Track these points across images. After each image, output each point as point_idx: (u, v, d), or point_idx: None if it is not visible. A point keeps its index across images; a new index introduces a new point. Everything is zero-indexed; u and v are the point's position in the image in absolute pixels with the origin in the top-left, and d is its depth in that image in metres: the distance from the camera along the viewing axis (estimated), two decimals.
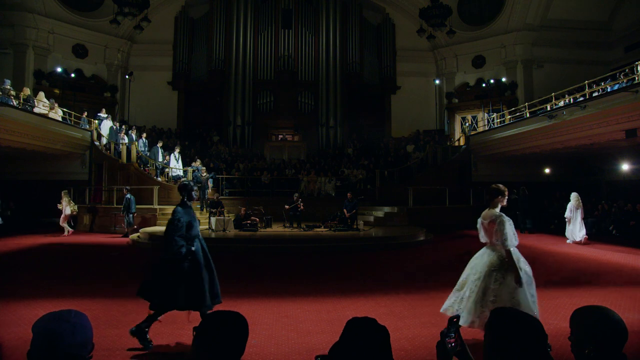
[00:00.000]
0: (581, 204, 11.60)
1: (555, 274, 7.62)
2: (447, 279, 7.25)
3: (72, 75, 18.72)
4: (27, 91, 14.52)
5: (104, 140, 16.92)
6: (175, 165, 16.58)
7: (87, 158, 16.76)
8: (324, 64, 21.35)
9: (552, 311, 5.12)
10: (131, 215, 12.97)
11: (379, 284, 6.90)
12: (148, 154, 17.03)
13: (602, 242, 11.32)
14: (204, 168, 15.69)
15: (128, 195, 12.95)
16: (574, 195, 11.63)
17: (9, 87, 13.42)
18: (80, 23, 19.54)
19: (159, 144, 17.13)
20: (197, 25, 22.14)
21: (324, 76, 21.30)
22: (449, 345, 1.75)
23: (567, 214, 11.71)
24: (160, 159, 16.90)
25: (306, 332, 4.50)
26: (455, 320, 1.81)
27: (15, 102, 13.25)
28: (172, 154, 16.72)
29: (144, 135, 17.77)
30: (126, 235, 12.74)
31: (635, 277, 7.28)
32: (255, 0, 21.52)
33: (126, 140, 16.88)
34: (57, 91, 18.20)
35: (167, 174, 16.93)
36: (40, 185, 16.07)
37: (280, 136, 20.95)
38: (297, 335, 4.40)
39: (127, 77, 20.88)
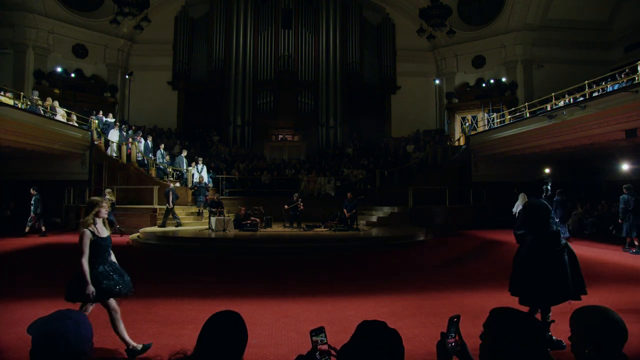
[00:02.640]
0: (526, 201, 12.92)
1: None
2: (447, 279, 7.28)
3: (72, 75, 18.72)
4: (49, 101, 15.64)
5: (114, 147, 16.48)
6: (198, 177, 15.87)
7: (87, 158, 16.75)
8: (324, 64, 21.35)
9: (552, 311, 5.11)
10: (36, 216, 12.82)
11: (379, 284, 6.89)
12: (169, 164, 16.86)
13: (602, 242, 11.31)
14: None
15: (37, 196, 12.91)
16: (521, 195, 12.92)
17: (37, 97, 14.87)
18: (80, 23, 19.53)
19: (184, 154, 16.80)
20: (197, 25, 22.15)
21: (324, 76, 21.30)
22: (449, 345, 1.75)
23: (514, 209, 13.06)
24: (185, 167, 16.60)
25: (306, 332, 4.48)
26: (455, 320, 1.81)
27: (42, 112, 14.57)
28: (196, 166, 16.10)
29: (162, 146, 17.30)
30: (43, 235, 12.80)
31: (635, 276, 7.28)
32: (255, 0, 21.53)
33: (142, 146, 16.86)
34: (57, 91, 18.20)
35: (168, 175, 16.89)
36: (41, 185, 16.04)
37: (280, 136, 20.95)
38: (297, 335, 4.40)
39: (127, 77, 20.87)
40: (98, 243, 3.82)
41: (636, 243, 9.97)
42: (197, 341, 1.60)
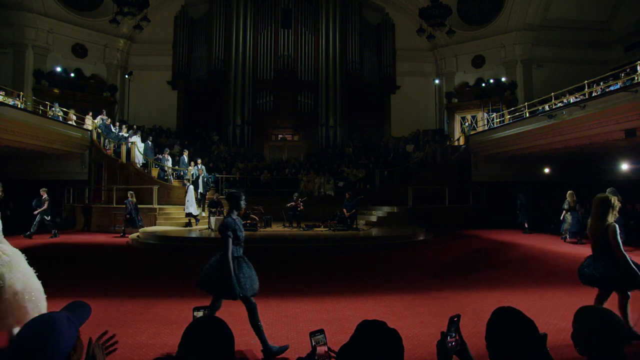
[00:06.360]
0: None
1: (554, 273, 7.63)
2: (447, 278, 7.29)
3: (72, 75, 18.70)
4: (57, 109, 16.10)
5: (141, 160, 16.48)
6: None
7: (86, 158, 16.74)
8: (323, 63, 21.36)
9: (551, 311, 5.12)
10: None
11: (379, 284, 6.90)
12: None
13: None
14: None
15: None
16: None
17: (58, 108, 15.81)
18: (80, 22, 19.52)
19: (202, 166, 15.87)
20: (197, 25, 22.15)
21: (323, 76, 21.31)
22: (450, 345, 1.75)
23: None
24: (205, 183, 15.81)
25: (306, 332, 4.48)
26: (455, 319, 1.81)
27: (63, 121, 15.60)
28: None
29: (200, 161, 16.09)
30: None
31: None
32: (255, 0, 21.54)
33: (170, 160, 16.70)
34: (56, 91, 18.20)
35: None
36: (40, 185, 16.03)
37: (280, 136, 20.96)
38: (297, 335, 4.40)
39: (126, 76, 20.86)
40: None
41: (526, 226, 14.00)
42: (179, 348, 1.53)
